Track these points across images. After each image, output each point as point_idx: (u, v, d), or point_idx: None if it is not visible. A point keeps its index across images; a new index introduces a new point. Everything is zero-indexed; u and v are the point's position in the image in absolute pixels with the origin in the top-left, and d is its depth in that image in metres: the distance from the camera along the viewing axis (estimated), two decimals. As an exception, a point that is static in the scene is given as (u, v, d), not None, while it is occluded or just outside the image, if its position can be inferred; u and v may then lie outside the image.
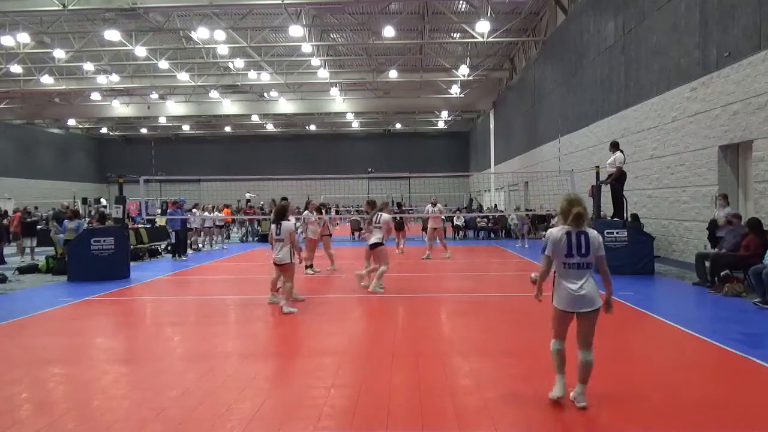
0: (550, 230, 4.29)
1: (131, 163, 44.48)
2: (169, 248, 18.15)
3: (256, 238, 23.35)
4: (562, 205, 4.23)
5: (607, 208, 13.45)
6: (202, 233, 19.36)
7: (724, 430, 3.87)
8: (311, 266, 12.50)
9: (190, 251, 16.08)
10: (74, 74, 29.88)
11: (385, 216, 9.99)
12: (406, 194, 40.48)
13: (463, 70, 29.81)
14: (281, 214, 8.32)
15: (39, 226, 18.80)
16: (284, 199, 12.33)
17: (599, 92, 17.09)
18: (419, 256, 15.27)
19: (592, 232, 4.19)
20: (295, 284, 8.55)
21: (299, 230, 12.89)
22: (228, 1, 19.23)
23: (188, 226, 17.00)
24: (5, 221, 17.48)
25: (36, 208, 28.48)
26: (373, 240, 9.87)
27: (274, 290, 8.77)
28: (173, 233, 16.06)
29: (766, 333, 6.61)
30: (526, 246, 18.84)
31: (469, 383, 4.88)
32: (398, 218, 18.13)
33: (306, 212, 12.73)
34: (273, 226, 8.30)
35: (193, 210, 19.77)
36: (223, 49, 24.73)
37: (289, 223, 8.28)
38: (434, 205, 15.92)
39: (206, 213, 20.07)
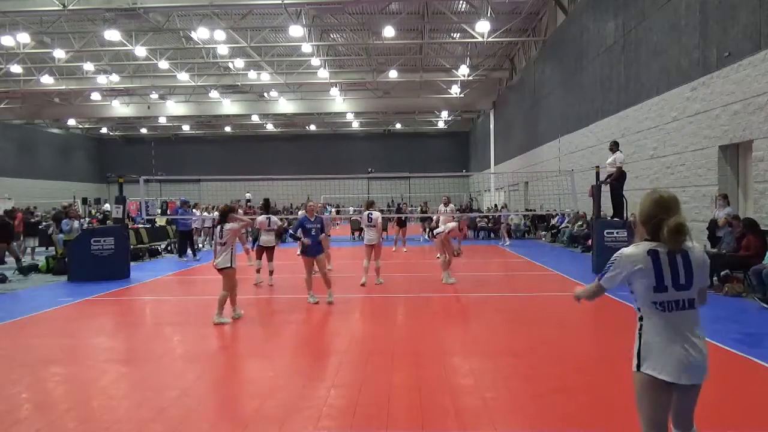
0: (622, 250, 2.71)
1: (131, 163, 44.44)
2: (169, 248, 18.16)
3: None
4: (646, 208, 2.67)
5: (607, 208, 13.46)
6: (202, 233, 19.36)
7: (724, 429, 3.87)
8: None
9: (190, 251, 16.08)
10: (74, 74, 29.87)
11: (375, 214, 10.52)
12: (406, 194, 40.48)
13: (463, 70, 29.80)
14: (225, 216, 7.76)
15: (39, 226, 18.80)
16: (266, 200, 12.46)
17: (599, 92, 17.09)
18: (419, 256, 15.27)
19: (696, 251, 2.67)
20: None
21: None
22: (228, 1, 19.23)
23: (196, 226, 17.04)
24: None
25: (35, 207, 28.49)
26: (372, 240, 10.46)
27: (234, 305, 7.89)
28: (180, 233, 16.09)
29: (766, 333, 6.61)
30: (507, 243, 19.30)
31: (469, 383, 4.88)
32: (403, 217, 18.33)
33: (302, 212, 12.66)
34: (217, 229, 7.73)
35: (193, 210, 19.78)
36: (223, 49, 24.73)
37: (232, 224, 7.71)
38: (446, 204, 15.86)
39: (206, 213, 20.07)
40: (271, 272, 10.85)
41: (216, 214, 19.34)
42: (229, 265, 7.62)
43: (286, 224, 23.02)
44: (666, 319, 2.61)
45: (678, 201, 2.65)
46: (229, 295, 7.69)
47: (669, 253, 2.59)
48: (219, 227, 7.71)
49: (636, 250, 2.64)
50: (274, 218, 11.17)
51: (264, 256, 10.94)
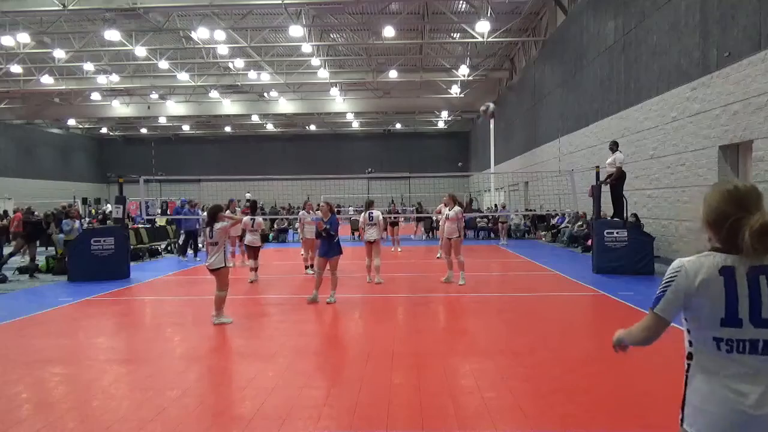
0: (682, 261, 1.95)
1: (131, 163, 44.46)
2: (169, 248, 18.16)
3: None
4: (715, 204, 1.94)
5: (607, 208, 13.46)
6: (201, 233, 19.36)
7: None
8: (311, 266, 12.50)
9: (189, 251, 16.09)
10: (74, 74, 29.87)
11: (376, 213, 10.95)
12: (406, 194, 40.48)
13: (463, 70, 29.80)
14: (214, 216, 7.70)
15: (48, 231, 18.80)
16: (250, 201, 12.73)
17: (599, 92, 17.09)
18: (419, 256, 15.26)
19: None
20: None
21: (298, 229, 12.90)
22: (228, 1, 19.23)
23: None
24: (5, 221, 17.48)
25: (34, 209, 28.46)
26: (372, 236, 10.80)
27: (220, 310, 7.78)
28: (184, 233, 16.12)
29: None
30: (504, 243, 19.57)
31: (469, 383, 4.88)
32: (393, 217, 18.47)
33: (302, 212, 12.67)
34: (207, 230, 7.67)
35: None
36: (223, 49, 24.73)
37: (222, 223, 7.71)
38: (450, 206, 15.84)
39: (205, 213, 20.05)
40: (255, 269, 11.46)
41: (204, 214, 19.38)
42: (222, 265, 7.59)
43: (285, 224, 23.15)
44: (730, 364, 1.85)
45: (760, 194, 1.90)
46: (223, 296, 7.64)
47: (751, 271, 1.83)
48: (209, 227, 7.65)
49: (703, 262, 1.88)
50: (258, 219, 11.83)
51: (255, 255, 11.55)
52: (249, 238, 11.67)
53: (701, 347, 1.93)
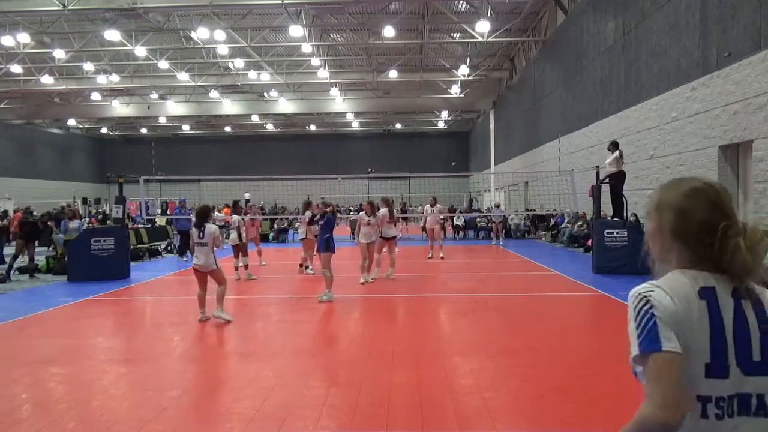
0: (642, 287, 1.35)
1: (131, 163, 44.45)
2: (169, 248, 18.16)
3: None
4: (689, 210, 1.38)
5: (607, 208, 13.46)
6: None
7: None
8: (308, 266, 12.53)
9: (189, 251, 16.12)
10: (74, 74, 29.87)
11: (382, 211, 11.25)
12: (406, 194, 40.49)
13: (463, 70, 29.80)
14: (204, 216, 7.71)
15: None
16: (235, 201, 12.99)
17: (599, 92, 17.09)
18: (419, 256, 15.27)
19: (766, 293, 1.40)
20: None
21: (299, 229, 12.92)
22: (228, 1, 19.23)
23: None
24: (5, 221, 17.47)
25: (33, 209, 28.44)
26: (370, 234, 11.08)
27: (203, 306, 7.67)
28: (178, 234, 16.15)
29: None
30: (499, 242, 19.85)
31: (469, 383, 4.88)
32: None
33: (308, 212, 12.67)
34: (195, 230, 7.68)
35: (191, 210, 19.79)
36: (223, 49, 24.73)
37: (214, 226, 7.75)
38: (432, 205, 15.90)
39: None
40: (246, 266, 11.82)
41: (217, 214, 19.44)
42: (214, 266, 7.59)
43: (286, 224, 23.15)
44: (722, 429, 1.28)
45: (724, 198, 1.40)
46: (224, 290, 7.71)
47: (736, 296, 1.32)
48: (199, 228, 7.60)
49: (676, 280, 1.34)
50: (234, 217, 12.31)
51: (239, 253, 11.85)
52: (233, 236, 12.07)
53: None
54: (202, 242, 7.55)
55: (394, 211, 11.73)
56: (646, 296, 1.32)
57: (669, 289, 1.32)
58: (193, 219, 8.41)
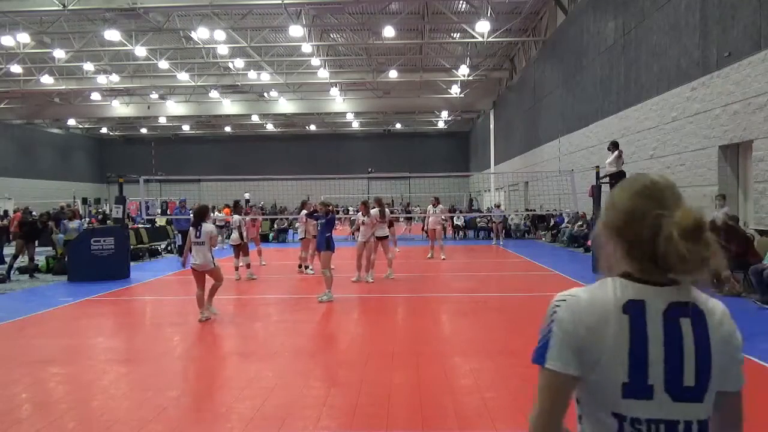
0: (561, 294, 1.29)
1: (131, 163, 44.45)
2: (169, 248, 18.17)
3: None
4: (623, 202, 1.28)
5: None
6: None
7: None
8: (308, 266, 12.53)
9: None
10: (74, 74, 29.87)
11: (374, 211, 11.23)
12: (406, 194, 40.49)
13: (463, 70, 29.80)
14: (201, 216, 7.74)
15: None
16: (236, 201, 12.91)
17: (599, 92, 17.09)
18: (419, 256, 15.26)
19: (717, 311, 1.27)
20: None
21: (299, 229, 12.93)
22: (228, 1, 19.23)
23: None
24: (5, 221, 17.46)
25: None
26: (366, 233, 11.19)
27: (202, 306, 7.67)
28: (179, 234, 16.16)
29: (765, 333, 6.61)
30: (499, 242, 19.89)
31: (469, 383, 4.88)
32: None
33: (304, 212, 12.68)
34: (192, 230, 7.73)
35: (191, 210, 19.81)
36: (223, 49, 24.73)
37: (211, 226, 7.79)
38: (435, 205, 15.91)
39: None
40: (248, 266, 11.87)
41: (217, 214, 19.42)
42: (212, 266, 7.61)
43: (286, 224, 23.14)
44: None
45: (681, 195, 1.28)
46: (219, 286, 7.76)
47: (671, 311, 1.21)
48: (196, 228, 7.62)
49: (595, 294, 1.25)
50: (235, 217, 12.35)
51: (240, 253, 11.89)
52: (233, 236, 12.14)
53: (596, 429, 1.25)
54: (199, 241, 7.58)
55: (386, 211, 11.67)
56: (556, 306, 1.27)
57: (586, 299, 1.23)
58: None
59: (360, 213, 11.38)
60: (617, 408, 1.20)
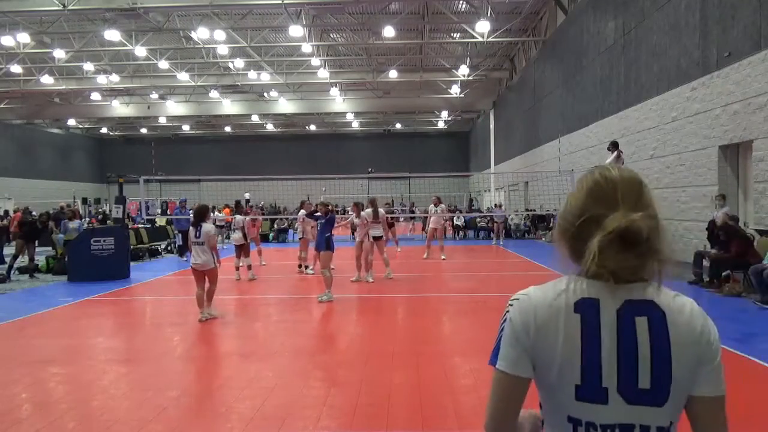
0: (519, 295, 1.26)
1: (131, 163, 44.44)
2: (169, 248, 18.17)
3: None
4: (572, 201, 1.27)
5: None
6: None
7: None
8: (307, 266, 12.54)
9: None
10: (74, 74, 29.87)
11: (367, 211, 11.27)
12: (406, 194, 40.48)
13: (463, 70, 29.80)
14: (201, 216, 7.75)
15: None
16: (237, 201, 12.93)
17: (599, 92, 17.09)
18: (420, 256, 15.26)
19: (684, 310, 1.17)
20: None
21: (298, 229, 12.95)
22: (228, 1, 19.23)
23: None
24: (5, 221, 17.45)
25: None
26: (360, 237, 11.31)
27: (202, 306, 7.68)
28: (179, 234, 16.17)
29: (765, 333, 6.61)
30: (499, 242, 19.90)
31: (469, 383, 4.88)
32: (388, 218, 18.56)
33: (302, 212, 12.71)
34: (192, 230, 7.76)
35: (191, 210, 19.81)
36: (223, 49, 24.73)
37: (210, 226, 7.80)
38: (436, 205, 15.90)
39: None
40: (249, 267, 11.78)
41: (217, 214, 19.42)
42: (213, 265, 7.64)
43: (286, 224, 23.15)
44: None
45: (639, 185, 1.21)
46: (214, 290, 7.75)
47: (625, 309, 1.15)
48: (196, 228, 7.64)
49: (547, 293, 1.22)
50: (238, 217, 12.32)
51: (241, 253, 11.86)
52: (234, 236, 12.14)
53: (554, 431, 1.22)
54: (198, 241, 7.60)
55: (380, 211, 11.60)
56: (509, 305, 1.25)
57: (536, 298, 1.20)
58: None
59: (353, 214, 11.44)
60: (572, 411, 1.16)
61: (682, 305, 1.17)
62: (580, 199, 1.22)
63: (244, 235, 11.88)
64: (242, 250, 11.82)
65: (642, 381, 1.12)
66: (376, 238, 11.39)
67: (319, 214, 9.30)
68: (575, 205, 1.23)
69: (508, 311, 1.24)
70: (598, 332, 1.14)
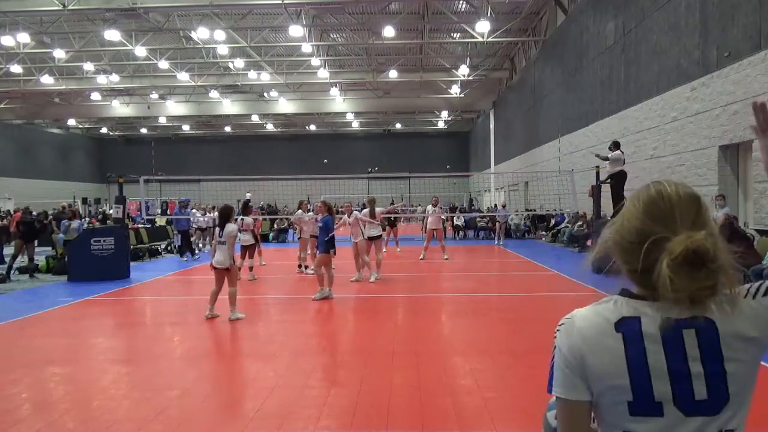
0: (565, 321, 1.26)
1: (131, 163, 44.46)
2: (169, 248, 18.17)
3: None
4: (627, 219, 1.22)
5: (607, 207, 13.46)
6: (194, 232, 19.38)
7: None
8: (307, 266, 12.54)
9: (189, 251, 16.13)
10: (74, 74, 29.88)
11: (364, 211, 11.44)
12: (406, 194, 40.46)
13: (463, 70, 29.81)
14: (226, 217, 7.91)
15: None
16: (245, 201, 13.20)
17: (599, 92, 17.09)
18: (418, 256, 15.25)
19: (739, 319, 1.14)
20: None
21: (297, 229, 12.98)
22: (228, 1, 19.23)
23: (193, 226, 17.25)
24: (5, 221, 17.45)
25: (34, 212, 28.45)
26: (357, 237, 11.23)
27: (213, 303, 7.83)
28: (178, 234, 16.18)
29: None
30: (500, 242, 19.78)
31: (469, 383, 4.88)
32: (391, 218, 18.51)
33: (299, 211, 12.74)
34: (217, 229, 7.97)
35: (193, 210, 19.76)
36: (223, 49, 24.73)
37: (234, 226, 7.95)
38: (435, 205, 15.88)
39: (208, 214, 20.07)
40: (251, 268, 11.83)
41: (215, 214, 19.43)
42: (230, 264, 7.71)
43: (286, 224, 23.16)
44: None
45: (698, 205, 1.18)
46: (234, 291, 7.78)
47: (669, 326, 1.14)
48: (221, 227, 7.79)
49: (588, 315, 1.23)
50: (248, 219, 12.21)
51: (246, 253, 11.89)
52: (242, 237, 12.12)
53: None
54: (221, 241, 7.73)
55: (377, 211, 11.62)
56: (557, 331, 1.26)
57: (580, 321, 1.22)
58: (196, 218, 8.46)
59: (345, 214, 11.51)
60: (627, 428, 1.16)
61: (730, 316, 1.14)
62: (637, 218, 1.20)
63: (254, 237, 11.99)
64: (248, 251, 11.90)
65: (697, 392, 1.13)
66: (374, 238, 11.40)
67: (311, 213, 9.34)
68: (633, 224, 1.20)
69: (556, 337, 1.25)
70: (642, 349, 1.14)
